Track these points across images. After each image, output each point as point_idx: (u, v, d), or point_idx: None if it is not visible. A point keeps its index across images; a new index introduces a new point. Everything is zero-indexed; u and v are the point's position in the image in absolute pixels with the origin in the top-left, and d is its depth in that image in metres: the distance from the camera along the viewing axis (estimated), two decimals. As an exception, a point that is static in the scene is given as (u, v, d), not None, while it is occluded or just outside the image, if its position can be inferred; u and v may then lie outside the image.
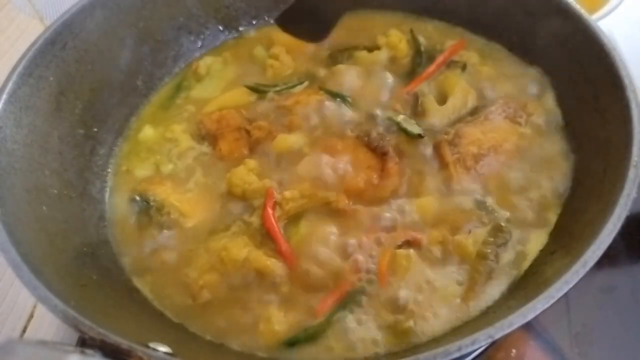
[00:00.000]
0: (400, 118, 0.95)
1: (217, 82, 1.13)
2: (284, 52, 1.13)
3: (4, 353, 0.49)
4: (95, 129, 1.01)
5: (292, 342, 0.76)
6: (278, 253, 0.83)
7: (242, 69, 1.14)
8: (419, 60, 1.08)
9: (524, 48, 1.05)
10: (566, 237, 0.79)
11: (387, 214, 0.86)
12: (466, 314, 0.77)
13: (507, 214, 0.85)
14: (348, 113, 0.99)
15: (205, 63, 1.15)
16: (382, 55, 1.09)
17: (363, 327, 0.76)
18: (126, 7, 1.06)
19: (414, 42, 1.11)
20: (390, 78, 1.04)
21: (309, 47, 1.14)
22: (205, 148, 1.00)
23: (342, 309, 0.77)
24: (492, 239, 0.82)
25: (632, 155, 0.72)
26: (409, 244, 0.83)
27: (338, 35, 1.16)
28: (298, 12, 1.05)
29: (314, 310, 0.78)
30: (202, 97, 1.10)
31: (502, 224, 0.84)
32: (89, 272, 0.81)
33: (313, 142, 0.95)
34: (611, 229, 0.66)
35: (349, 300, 0.78)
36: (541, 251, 0.82)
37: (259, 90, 1.07)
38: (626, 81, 0.80)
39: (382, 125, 0.96)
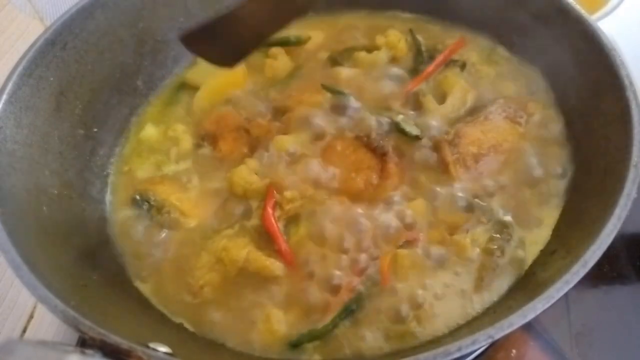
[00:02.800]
0: (400, 118, 0.95)
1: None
2: (283, 53, 1.13)
3: (4, 353, 0.49)
4: (96, 129, 1.01)
5: (296, 344, 0.76)
6: (278, 253, 0.83)
7: (242, 68, 1.13)
8: (420, 59, 1.08)
9: (524, 48, 1.05)
10: (566, 237, 0.79)
11: (387, 214, 0.85)
12: (468, 313, 0.76)
13: (507, 214, 0.85)
14: (348, 113, 0.99)
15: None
16: (382, 55, 1.09)
17: (365, 328, 0.76)
18: (126, 7, 1.06)
19: (414, 41, 1.11)
20: (389, 78, 1.04)
21: (309, 48, 1.14)
22: (205, 148, 1.00)
23: (345, 310, 0.77)
24: (498, 235, 0.82)
25: (632, 155, 0.72)
26: (409, 244, 0.83)
27: (337, 36, 1.16)
28: (208, 33, 0.87)
29: (313, 310, 0.78)
30: (204, 97, 1.09)
31: (506, 220, 0.84)
32: (89, 272, 0.81)
33: (313, 142, 0.95)
34: (611, 229, 0.66)
35: (351, 301, 0.78)
36: (541, 251, 0.82)
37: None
38: (626, 81, 0.80)
39: (382, 126, 0.96)
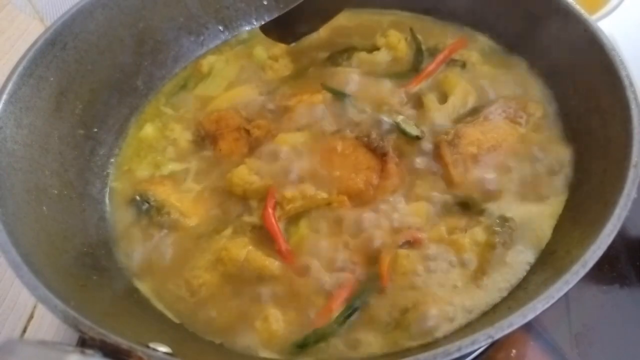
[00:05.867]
0: (400, 119, 0.95)
1: (219, 81, 1.13)
2: (284, 54, 1.13)
3: (4, 353, 0.49)
4: (95, 129, 1.01)
5: (303, 344, 0.75)
6: (278, 253, 0.83)
7: (243, 69, 1.14)
8: (420, 59, 1.08)
9: (524, 48, 1.05)
10: (566, 237, 0.79)
11: (387, 215, 0.85)
12: (468, 312, 0.76)
13: (507, 214, 0.85)
14: (349, 113, 0.99)
15: (209, 62, 1.16)
16: (382, 55, 1.09)
17: (365, 328, 0.76)
18: (126, 7, 1.06)
19: (414, 40, 1.11)
20: (390, 78, 1.04)
21: (309, 49, 1.14)
22: (205, 148, 1.00)
23: (349, 309, 0.77)
24: (499, 229, 0.82)
25: (632, 155, 0.72)
26: (409, 244, 0.83)
27: (337, 36, 1.16)
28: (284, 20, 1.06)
29: (312, 311, 0.78)
30: (205, 96, 1.10)
31: (507, 215, 0.84)
32: (89, 273, 0.81)
33: (313, 142, 0.95)
34: (611, 229, 0.66)
35: (354, 300, 0.78)
36: (541, 251, 0.82)
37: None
38: (626, 81, 0.80)
39: (382, 126, 0.96)
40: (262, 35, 1.19)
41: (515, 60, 1.06)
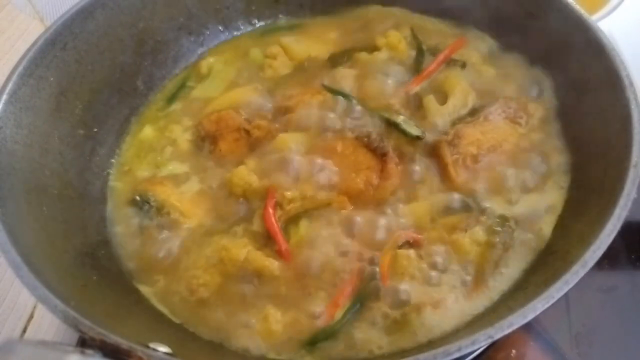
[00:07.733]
0: (400, 119, 0.95)
1: (218, 82, 1.13)
2: (282, 53, 1.13)
3: (4, 353, 0.49)
4: (96, 129, 1.01)
5: (312, 342, 0.76)
6: (278, 253, 0.83)
7: (242, 69, 1.14)
8: (420, 59, 1.08)
9: (524, 48, 1.05)
10: (566, 237, 0.79)
11: (387, 215, 0.85)
12: (468, 312, 0.76)
13: (507, 214, 0.85)
14: (349, 114, 0.99)
15: (207, 62, 1.16)
16: (382, 56, 1.09)
17: (365, 328, 0.76)
18: (126, 7, 1.06)
19: (414, 40, 1.11)
20: (390, 79, 1.04)
21: (308, 50, 1.14)
22: (205, 148, 1.00)
23: (352, 308, 0.77)
24: (499, 229, 0.82)
25: (632, 155, 0.72)
26: (409, 244, 0.83)
27: (337, 36, 1.16)
28: None
29: (312, 311, 0.78)
30: (204, 97, 1.10)
31: (507, 214, 0.84)
32: (89, 273, 0.81)
33: (314, 142, 0.95)
34: (611, 229, 0.66)
35: (352, 302, 0.78)
36: (541, 251, 0.82)
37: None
38: (626, 81, 0.80)
39: (383, 126, 0.96)
40: (262, 36, 1.20)
41: (515, 60, 1.06)
